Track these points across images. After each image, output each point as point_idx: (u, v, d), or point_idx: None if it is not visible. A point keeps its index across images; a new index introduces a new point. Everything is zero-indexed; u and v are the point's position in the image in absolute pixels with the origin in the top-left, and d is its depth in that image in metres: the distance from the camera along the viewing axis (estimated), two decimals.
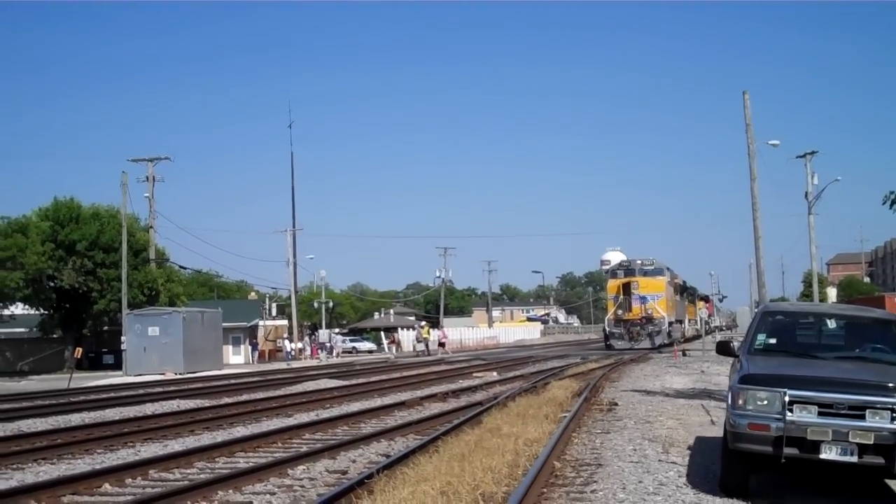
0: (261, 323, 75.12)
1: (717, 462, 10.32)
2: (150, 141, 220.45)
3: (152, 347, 45.05)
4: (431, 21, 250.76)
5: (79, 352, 44.91)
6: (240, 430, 17.32)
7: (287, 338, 71.19)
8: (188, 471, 12.64)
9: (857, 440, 8.83)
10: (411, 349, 72.24)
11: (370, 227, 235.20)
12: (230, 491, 10.84)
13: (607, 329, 57.86)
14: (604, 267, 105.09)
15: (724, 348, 11.34)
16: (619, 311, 56.37)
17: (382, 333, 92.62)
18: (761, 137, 45.89)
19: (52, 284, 56.34)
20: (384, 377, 34.38)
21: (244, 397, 25.97)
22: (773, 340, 10.88)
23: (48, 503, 10.51)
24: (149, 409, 22.65)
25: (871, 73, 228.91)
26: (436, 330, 73.06)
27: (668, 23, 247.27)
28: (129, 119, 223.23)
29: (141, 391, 29.98)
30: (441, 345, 67.46)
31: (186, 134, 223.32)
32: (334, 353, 68.03)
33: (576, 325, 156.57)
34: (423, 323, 75.85)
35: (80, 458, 14.13)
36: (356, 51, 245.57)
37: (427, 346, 65.37)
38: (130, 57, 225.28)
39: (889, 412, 8.85)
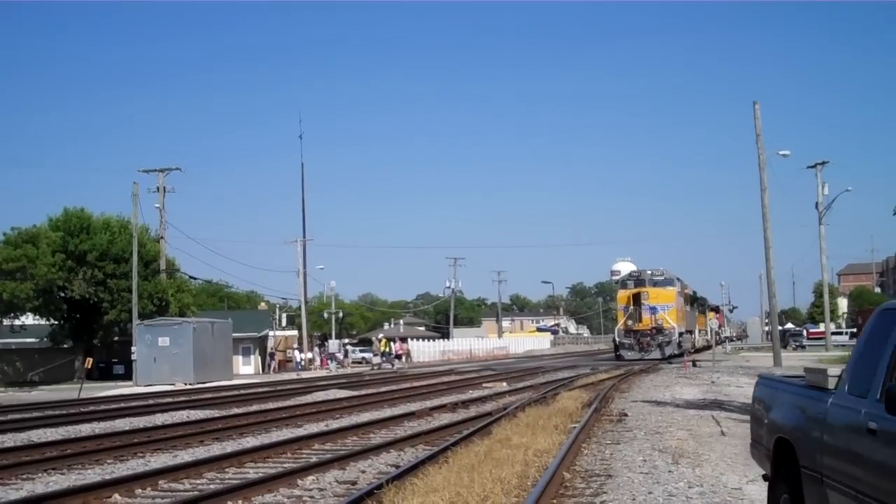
0: (271, 333, 75.21)
1: (728, 473, 10.22)
2: (158, 149, 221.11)
3: (162, 358, 45.14)
4: (440, 28, 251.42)
5: (89, 362, 45.03)
6: (249, 441, 17.33)
7: (297, 348, 71.28)
8: (198, 481, 12.64)
9: None
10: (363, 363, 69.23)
11: (380, 236, 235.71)
12: (240, 501, 10.83)
13: (617, 339, 57.75)
14: (614, 277, 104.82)
15: None
16: (630, 322, 56.27)
17: (392, 344, 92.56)
18: (772, 147, 45.97)
19: (62, 295, 56.54)
20: (394, 387, 34.37)
21: (254, 408, 25.99)
22: None
23: None
24: (159, 419, 22.69)
25: (882, 83, 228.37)
26: (394, 343, 71.92)
27: (678, 32, 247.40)
28: (136, 127, 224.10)
29: (151, 401, 30.05)
30: (398, 356, 65.97)
31: (193, 142, 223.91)
32: (345, 364, 67.91)
33: (586, 335, 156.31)
34: (381, 336, 74.10)
35: (90, 469, 14.15)
36: (365, 58, 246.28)
37: (389, 359, 63.86)
38: (137, 65, 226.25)
39: None
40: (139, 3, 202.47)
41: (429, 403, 24.85)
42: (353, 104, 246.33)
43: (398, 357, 66.05)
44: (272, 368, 66.57)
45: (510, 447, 12.81)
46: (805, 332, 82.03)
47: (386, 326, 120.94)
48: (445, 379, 40.00)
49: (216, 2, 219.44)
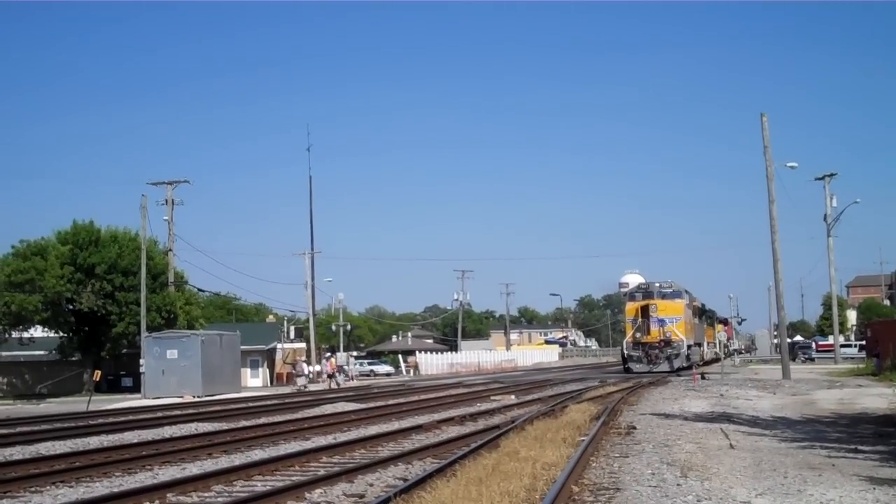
0: (279, 346, 75.24)
1: (737, 487, 10.15)
2: (166, 160, 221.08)
3: (171, 370, 45.22)
4: (449, 38, 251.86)
5: (98, 374, 45.12)
6: (257, 454, 17.31)
7: (305, 361, 71.12)
8: (206, 494, 12.63)
9: None
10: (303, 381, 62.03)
11: (388, 249, 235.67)
12: None
13: (625, 352, 57.61)
14: (622, 290, 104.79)
15: None
16: (638, 334, 56.13)
17: (401, 356, 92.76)
18: (780, 159, 45.93)
19: (71, 307, 56.73)
20: (401, 400, 34.31)
21: (262, 420, 25.97)
22: None
23: None
24: (167, 432, 22.69)
25: (891, 95, 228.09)
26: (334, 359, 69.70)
27: (686, 43, 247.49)
28: (143, 138, 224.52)
29: (159, 414, 30.05)
30: (330, 376, 63.58)
31: (202, 153, 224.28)
32: (351, 377, 67.34)
33: (594, 347, 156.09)
34: (329, 354, 71.66)
35: (98, 482, 14.15)
36: (373, 68, 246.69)
37: (336, 376, 60.59)
38: (144, 75, 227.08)
39: None
40: (144, 13, 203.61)
41: (437, 416, 24.79)
42: (361, 114, 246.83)
43: (330, 375, 63.16)
44: (294, 381, 66.11)
45: (518, 460, 12.77)
46: (814, 345, 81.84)
47: (394, 339, 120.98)
48: (453, 392, 39.91)
49: (223, 11, 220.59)
